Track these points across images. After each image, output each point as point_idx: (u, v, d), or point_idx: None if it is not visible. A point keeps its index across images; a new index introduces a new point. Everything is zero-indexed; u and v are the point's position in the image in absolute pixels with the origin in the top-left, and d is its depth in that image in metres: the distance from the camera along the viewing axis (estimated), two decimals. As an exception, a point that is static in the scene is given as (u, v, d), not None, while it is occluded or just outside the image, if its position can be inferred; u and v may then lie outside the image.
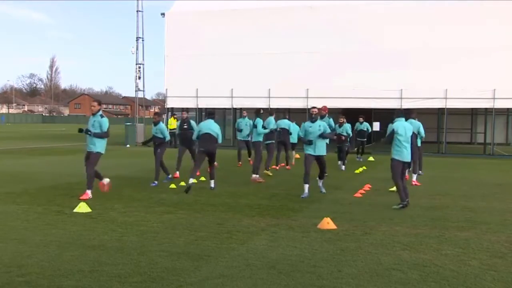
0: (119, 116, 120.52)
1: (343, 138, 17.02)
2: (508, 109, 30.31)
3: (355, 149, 21.15)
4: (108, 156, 20.22)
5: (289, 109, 25.02)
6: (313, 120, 10.84)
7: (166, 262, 5.78)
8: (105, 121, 10.02)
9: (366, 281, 5.24)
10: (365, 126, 20.46)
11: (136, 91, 32.91)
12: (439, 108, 26.28)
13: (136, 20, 32.05)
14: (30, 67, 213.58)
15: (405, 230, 7.64)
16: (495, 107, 25.35)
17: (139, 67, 32.18)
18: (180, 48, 29.33)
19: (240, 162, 17.21)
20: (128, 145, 29.11)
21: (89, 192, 9.95)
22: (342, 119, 17.61)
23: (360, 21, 26.33)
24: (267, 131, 13.92)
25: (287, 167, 16.57)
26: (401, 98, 25.42)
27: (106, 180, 10.43)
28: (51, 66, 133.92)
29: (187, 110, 22.51)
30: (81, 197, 9.76)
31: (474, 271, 5.63)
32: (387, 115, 27.22)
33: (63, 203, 9.38)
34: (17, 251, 6.19)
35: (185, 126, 14.09)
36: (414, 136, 10.45)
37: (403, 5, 25.76)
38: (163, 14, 30.18)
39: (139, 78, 32.40)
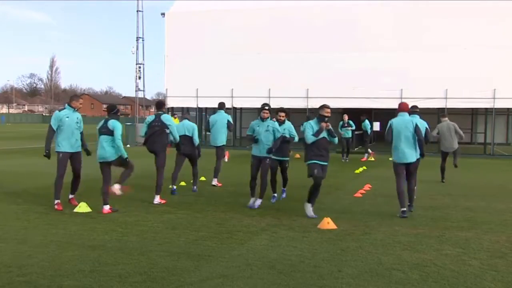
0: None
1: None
2: (508, 109, 30.29)
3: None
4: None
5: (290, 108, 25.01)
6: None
7: (166, 262, 5.78)
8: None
9: (366, 281, 5.24)
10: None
11: (136, 91, 32.94)
12: (439, 108, 26.27)
13: (136, 20, 32.09)
14: (30, 67, 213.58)
15: (405, 230, 7.64)
16: (495, 107, 25.34)
17: (139, 67, 32.20)
18: (180, 48, 29.32)
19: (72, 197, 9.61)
20: (128, 145, 29.12)
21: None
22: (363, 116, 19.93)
23: (360, 21, 26.33)
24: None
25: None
26: (401, 98, 25.36)
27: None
28: (51, 66, 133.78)
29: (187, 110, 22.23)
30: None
31: (474, 271, 5.63)
32: (387, 115, 27.29)
33: (64, 203, 9.37)
34: (17, 251, 6.19)
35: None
36: None
37: (402, 5, 25.77)
38: (163, 14, 30.19)
39: (139, 78, 32.43)
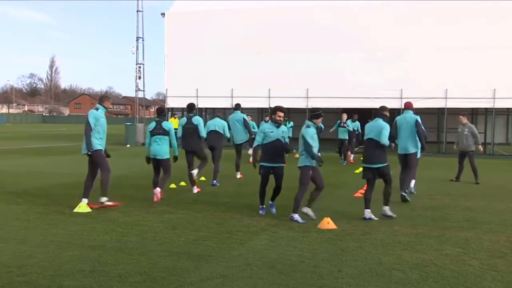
0: (119, 116, 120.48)
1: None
2: (508, 109, 30.28)
3: None
4: (108, 156, 20.27)
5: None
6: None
7: (166, 262, 5.78)
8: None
9: (366, 281, 5.24)
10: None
11: (136, 91, 32.94)
12: (439, 108, 26.27)
13: (136, 20, 32.10)
14: (30, 67, 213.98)
15: (405, 230, 7.64)
16: (495, 107, 25.34)
17: (139, 67, 32.19)
18: (180, 48, 29.32)
19: None
20: (128, 145, 29.12)
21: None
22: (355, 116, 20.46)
23: (360, 21, 26.32)
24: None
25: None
26: (401, 98, 25.37)
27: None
28: (51, 66, 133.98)
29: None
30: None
31: (474, 271, 5.63)
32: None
33: (63, 203, 9.38)
34: (17, 251, 6.19)
35: None
36: None
37: (403, 5, 25.76)
38: (163, 14, 30.18)
39: (139, 78, 32.42)
